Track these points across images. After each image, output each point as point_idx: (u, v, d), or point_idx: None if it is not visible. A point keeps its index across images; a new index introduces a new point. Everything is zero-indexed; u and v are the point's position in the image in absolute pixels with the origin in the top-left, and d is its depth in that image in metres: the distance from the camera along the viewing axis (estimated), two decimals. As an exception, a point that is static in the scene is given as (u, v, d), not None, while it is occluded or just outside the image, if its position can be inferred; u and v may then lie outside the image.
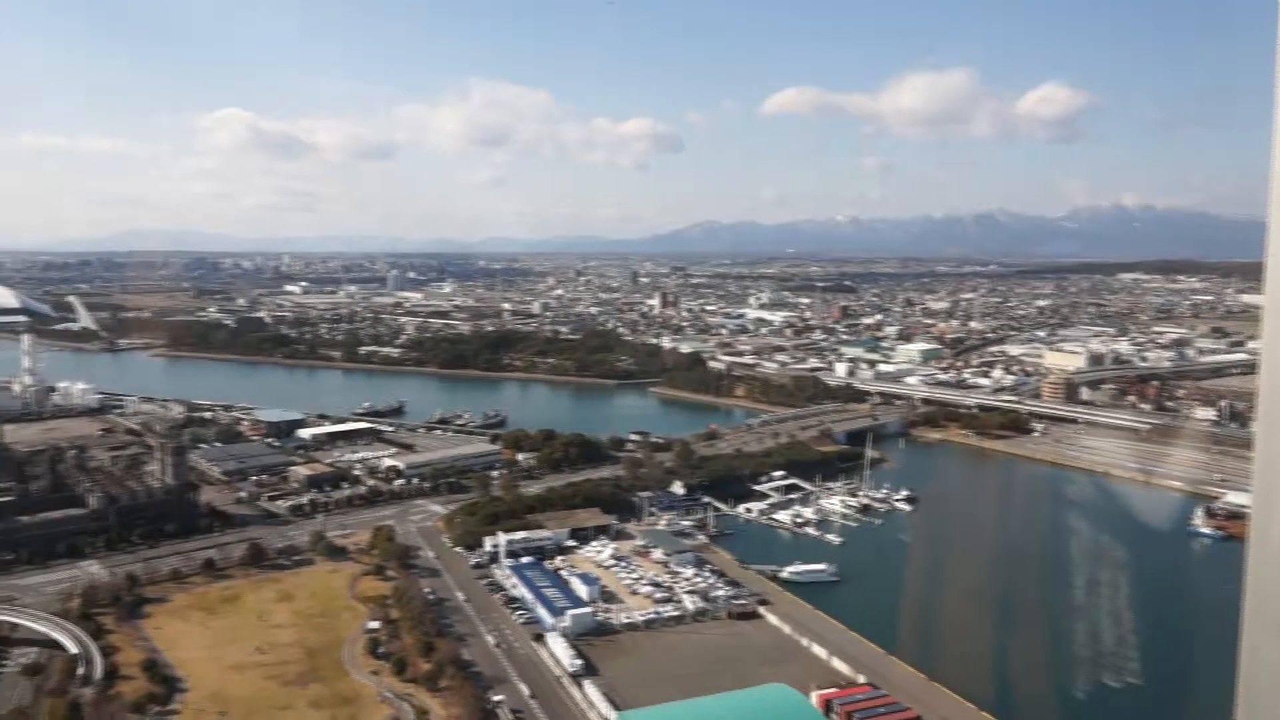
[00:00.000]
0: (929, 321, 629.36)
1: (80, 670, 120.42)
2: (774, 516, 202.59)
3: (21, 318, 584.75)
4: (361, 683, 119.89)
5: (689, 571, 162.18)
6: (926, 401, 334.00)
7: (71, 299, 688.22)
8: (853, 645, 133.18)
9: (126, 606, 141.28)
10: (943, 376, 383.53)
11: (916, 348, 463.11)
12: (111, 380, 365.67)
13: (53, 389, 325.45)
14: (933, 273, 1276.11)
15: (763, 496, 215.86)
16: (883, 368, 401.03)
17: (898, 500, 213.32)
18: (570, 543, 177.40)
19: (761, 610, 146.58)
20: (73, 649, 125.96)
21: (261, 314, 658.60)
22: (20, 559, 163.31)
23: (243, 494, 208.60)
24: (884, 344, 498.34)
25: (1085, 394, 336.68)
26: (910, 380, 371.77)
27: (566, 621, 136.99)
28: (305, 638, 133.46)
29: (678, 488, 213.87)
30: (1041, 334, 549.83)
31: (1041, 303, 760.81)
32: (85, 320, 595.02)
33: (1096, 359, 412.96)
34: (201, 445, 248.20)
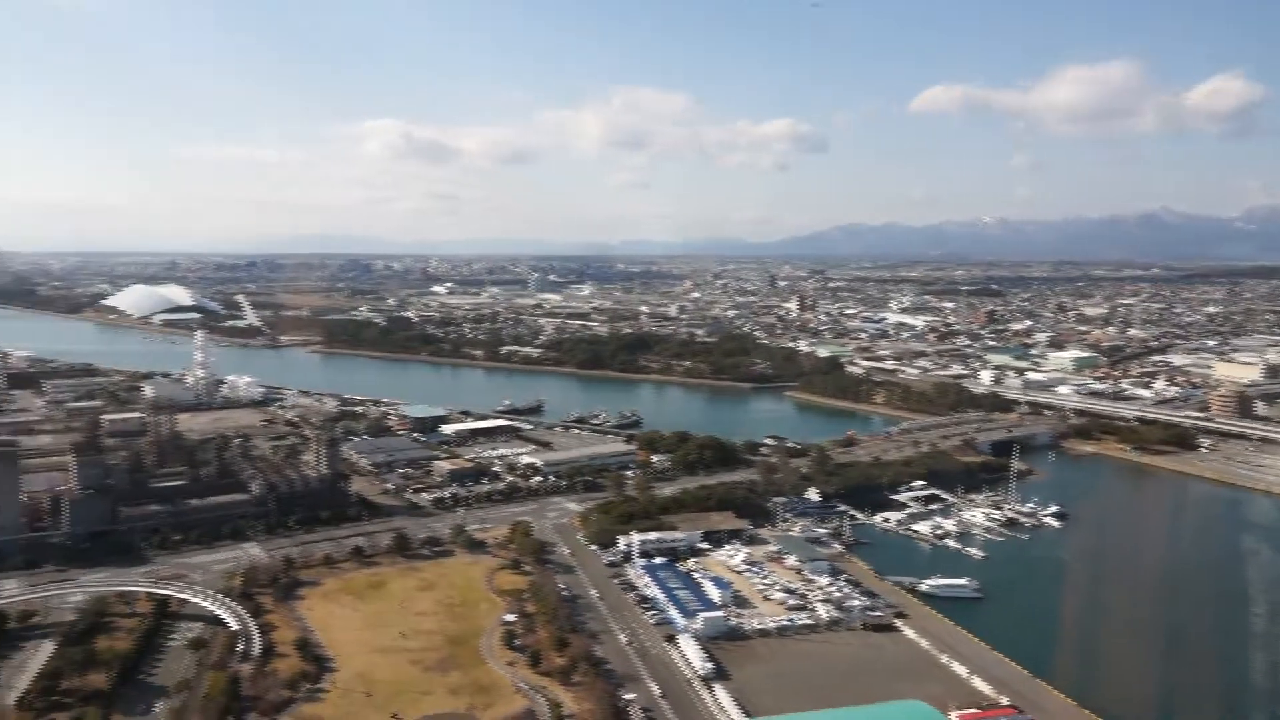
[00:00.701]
0: (1083, 328, 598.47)
1: (240, 646, 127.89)
2: (913, 527, 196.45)
3: (195, 315, 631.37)
4: (498, 673, 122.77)
5: (823, 580, 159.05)
6: (1079, 412, 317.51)
7: (239, 298, 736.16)
8: (996, 665, 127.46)
9: (283, 587, 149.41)
10: (1098, 386, 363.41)
11: (1069, 355, 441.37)
12: (273, 374, 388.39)
13: (221, 381, 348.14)
14: (1088, 276, 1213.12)
15: (901, 506, 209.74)
16: (1031, 376, 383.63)
17: (1046, 515, 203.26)
18: (703, 545, 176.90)
19: (898, 623, 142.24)
20: (234, 625, 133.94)
21: (409, 313, 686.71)
22: (189, 539, 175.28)
23: (389, 486, 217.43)
24: (1033, 351, 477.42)
25: (1261, 408, 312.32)
26: (1061, 390, 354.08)
27: (698, 624, 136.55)
28: (445, 626, 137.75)
29: (813, 494, 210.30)
30: (1211, 343, 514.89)
31: (1211, 309, 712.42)
32: (251, 318, 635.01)
33: (1274, 370, 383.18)
34: (353, 438, 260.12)
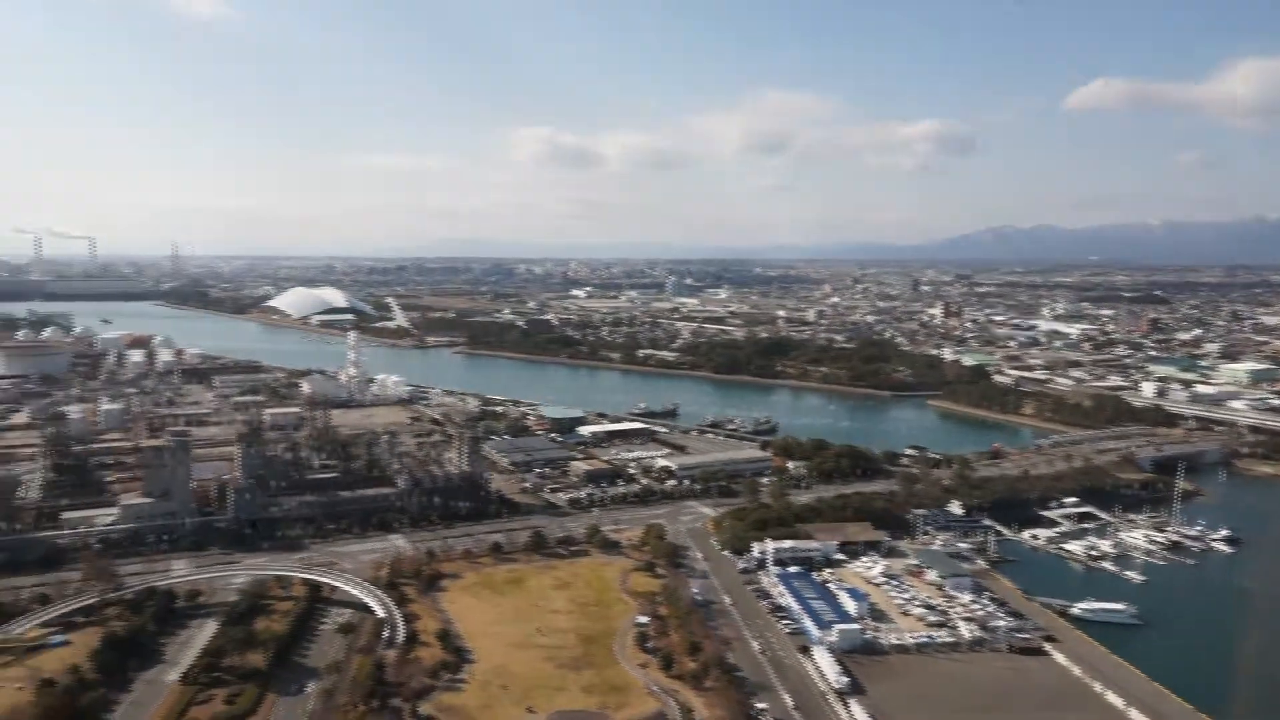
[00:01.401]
0: (1260, 339, 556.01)
1: (385, 633, 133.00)
2: (1064, 547, 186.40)
3: (349, 316, 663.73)
4: (630, 674, 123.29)
5: (966, 597, 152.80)
6: (1255, 429, 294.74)
7: (389, 300, 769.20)
8: (1156, 698, 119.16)
9: (426, 579, 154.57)
10: (1277, 402, 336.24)
11: (1244, 368, 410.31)
12: (419, 374, 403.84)
13: (371, 380, 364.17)
14: (1266, 282, 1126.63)
15: (1051, 524, 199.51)
16: (1200, 389, 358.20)
17: (1215, 540, 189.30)
18: (839, 556, 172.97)
19: (1047, 647, 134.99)
20: (380, 613, 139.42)
21: (549, 316, 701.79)
22: (340, 529, 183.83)
23: (527, 484, 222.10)
24: (1202, 362, 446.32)
25: None
26: (1235, 405, 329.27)
27: (834, 636, 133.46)
28: (579, 625, 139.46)
29: (955, 508, 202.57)
30: None
31: None
32: (400, 319, 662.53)
33: None
34: (493, 436, 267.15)
